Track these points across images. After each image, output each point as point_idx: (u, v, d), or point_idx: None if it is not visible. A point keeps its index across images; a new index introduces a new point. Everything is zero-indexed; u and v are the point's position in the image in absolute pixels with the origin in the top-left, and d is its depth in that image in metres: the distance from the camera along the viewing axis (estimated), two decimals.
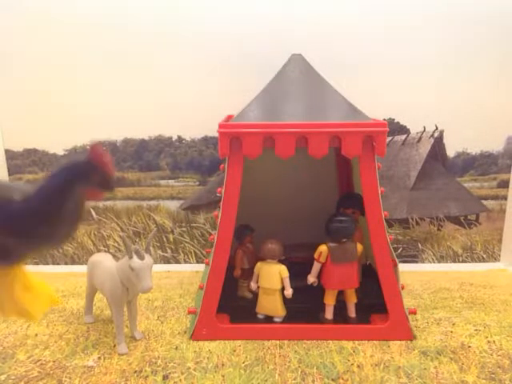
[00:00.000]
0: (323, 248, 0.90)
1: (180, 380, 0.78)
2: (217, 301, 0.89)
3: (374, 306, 0.93)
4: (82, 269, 1.25)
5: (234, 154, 0.84)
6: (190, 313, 0.92)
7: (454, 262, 1.30)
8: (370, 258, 1.07)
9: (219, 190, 0.90)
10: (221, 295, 0.89)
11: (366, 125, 0.83)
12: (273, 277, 0.90)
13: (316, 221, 1.14)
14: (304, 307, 0.94)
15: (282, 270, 0.90)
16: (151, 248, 0.84)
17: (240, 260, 1.02)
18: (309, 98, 0.91)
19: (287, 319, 0.92)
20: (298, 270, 0.96)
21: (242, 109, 0.94)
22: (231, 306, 0.94)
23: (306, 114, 0.88)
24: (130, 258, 0.79)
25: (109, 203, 1.27)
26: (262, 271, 0.92)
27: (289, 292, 0.90)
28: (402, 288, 0.91)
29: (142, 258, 0.79)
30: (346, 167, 1.12)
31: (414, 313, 0.93)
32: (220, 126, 0.83)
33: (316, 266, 0.91)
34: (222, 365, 0.82)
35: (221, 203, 0.87)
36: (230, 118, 0.97)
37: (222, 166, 0.90)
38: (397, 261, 0.90)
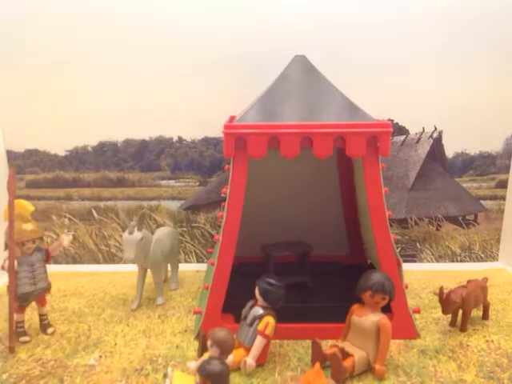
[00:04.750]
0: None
1: None
2: (222, 301, 0.89)
3: None
4: (83, 268, 1.27)
5: (239, 155, 0.85)
6: (195, 313, 0.92)
7: (453, 261, 1.30)
8: (373, 258, 1.08)
9: (224, 190, 0.90)
10: (225, 295, 0.89)
11: (370, 125, 0.84)
12: None
13: (316, 221, 1.16)
14: (300, 306, 0.95)
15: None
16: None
17: None
18: (312, 99, 0.92)
19: (287, 319, 0.92)
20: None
21: (244, 109, 0.94)
22: (236, 306, 0.94)
23: (310, 114, 0.88)
24: (124, 231, 0.96)
25: (110, 203, 1.27)
26: None
27: None
28: (406, 287, 0.91)
29: (131, 232, 0.95)
30: (348, 167, 1.12)
31: (418, 312, 0.93)
32: (225, 126, 0.84)
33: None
34: None
35: (225, 203, 0.88)
36: (232, 118, 0.97)
37: (227, 166, 0.90)
38: (400, 260, 0.90)
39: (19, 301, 0.87)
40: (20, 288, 0.87)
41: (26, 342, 0.89)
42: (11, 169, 0.84)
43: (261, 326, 0.79)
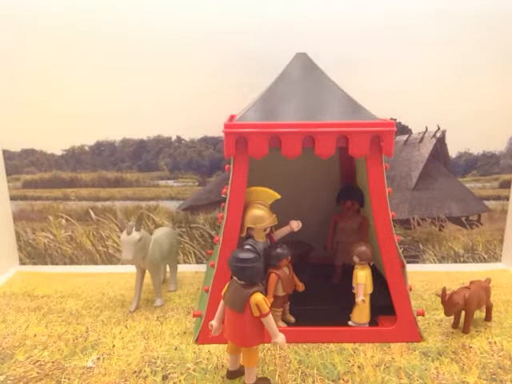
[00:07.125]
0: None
1: (179, 380, 0.77)
2: None
3: (380, 307, 0.92)
4: (80, 269, 1.26)
5: (240, 154, 0.84)
6: (195, 316, 0.91)
7: (456, 262, 1.29)
8: (376, 260, 1.07)
9: (224, 190, 0.89)
10: None
11: (373, 124, 0.83)
12: None
13: (318, 221, 1.15)
14: (299, 309, 0.94)
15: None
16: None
17: (273, 286, 0.88)
18: (314, 97, 0.91)
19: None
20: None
21: (244, 108, 0.93)
22: None
23: (312, 113, 0.87)
24: (122, 231, 0.96)
25: (107, 203, 1.26)
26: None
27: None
28: (410, 289, 0.90)
29: (129, 233, 0.94)
30: (350, 167, 1.11)
31: (422, 314, 0.91)
32: (225, 125, 0.82)
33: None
34: (222, 366, 0.82)
35: (226, 204, 0.87)
36: (232, 117, 0.96)
37: (227, 166, 0.89)
38: (404, 262, 0.89)
39: None
40: None
41: None
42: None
43: (255, 311, 0.71)
